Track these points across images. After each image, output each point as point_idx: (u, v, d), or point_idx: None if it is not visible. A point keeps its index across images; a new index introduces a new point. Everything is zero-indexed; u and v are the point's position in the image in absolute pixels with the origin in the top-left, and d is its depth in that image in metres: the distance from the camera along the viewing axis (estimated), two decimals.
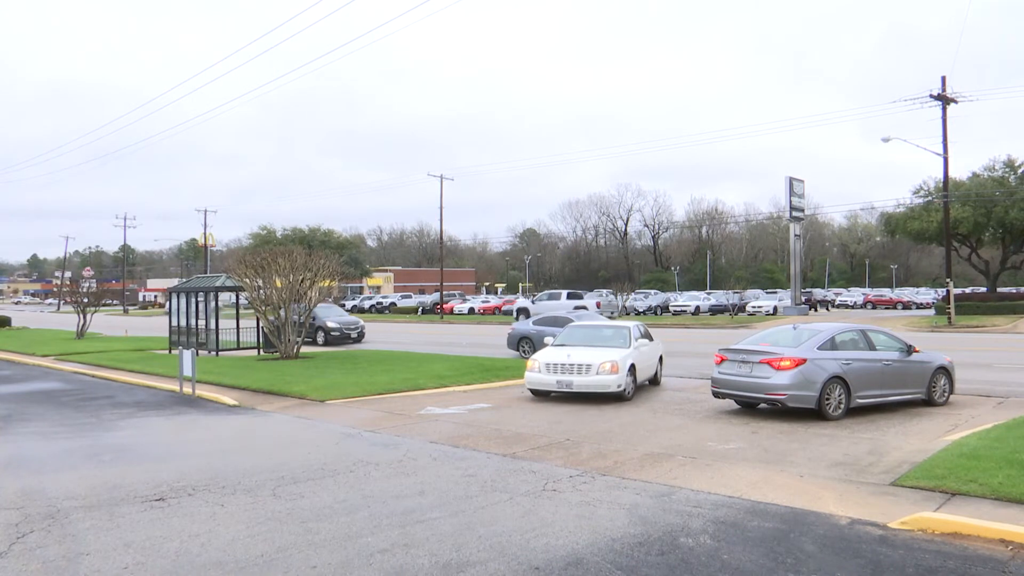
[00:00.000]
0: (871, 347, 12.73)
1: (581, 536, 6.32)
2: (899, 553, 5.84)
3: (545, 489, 7.92)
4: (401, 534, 6.42)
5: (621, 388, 14.15)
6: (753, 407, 13.06)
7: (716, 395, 13.01)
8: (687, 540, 6.18)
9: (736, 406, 13.30)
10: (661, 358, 17.37)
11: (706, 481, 8.17)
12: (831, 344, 12.33)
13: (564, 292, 53.58)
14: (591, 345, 15.30)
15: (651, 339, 16.94)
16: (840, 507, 7.10)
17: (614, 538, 6.25)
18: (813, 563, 5.64)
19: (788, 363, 11.81)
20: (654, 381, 16.74)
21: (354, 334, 29.62)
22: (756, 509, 7.09)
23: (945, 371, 13.41)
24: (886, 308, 65.78)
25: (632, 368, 14.67)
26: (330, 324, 28.53)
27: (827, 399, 11.77)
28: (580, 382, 14.11)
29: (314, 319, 27.08)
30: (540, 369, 14.70)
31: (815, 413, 11.82)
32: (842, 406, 11.91)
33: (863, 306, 68.99)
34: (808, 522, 6.66)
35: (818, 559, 5.73)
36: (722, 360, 12.90)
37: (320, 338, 28.91)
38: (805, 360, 11.83)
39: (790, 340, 12.59)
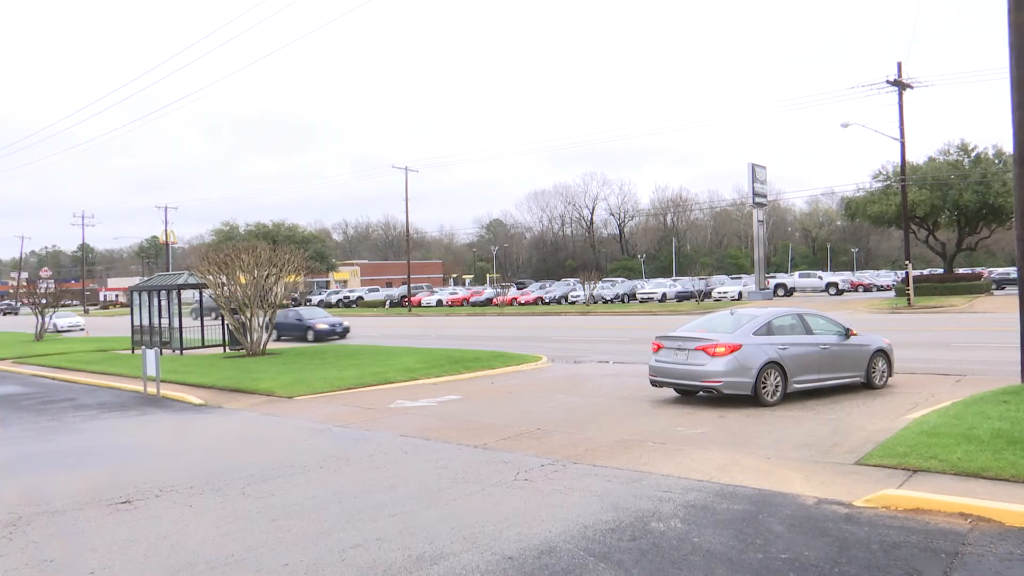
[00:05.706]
0: (808, 331, 12.58)
1: (554, 524, 6.35)
2: (864, 530, 5.97)
3: (517, 479, 7.94)
4: (373, 528, 6.39)
5: None
6: (692, 395, 12.83)
7: (654, 383, 12.76)
8: (658, 524, 6.25)
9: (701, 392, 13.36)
10: None
11: (676, 466, 8.27)
12: (767, 329, 12.18)
13: None
14: None
15: None
16: (807, 487, 7.23)
17: (586, 525, 6.29)
18: (782, 543, 5.75)
19: (723, 349, 11.66)
20: None
21: (339, 329, 32.62)
22: (725, 492, 7.19)
23: (884, 354, 13.27)
24: (849, 291, 66.99)
25: None
26: (319, 325, 32.34)
27: (763, 385, 11.63)
28: None
29: (300, 320, 32.18)
30: None
31: (751, 399, 11.70)
32: (779, 392, 11.78)
33: (825, 289, 70.12)
34: (776, 503, 6.78)
35: (786, 539, 5.83)
36: (659, 348, 12.66)
37: (310, 336, 31.63)
38: (740, 346, 11.69)
39: (728, 326, 12.46)
